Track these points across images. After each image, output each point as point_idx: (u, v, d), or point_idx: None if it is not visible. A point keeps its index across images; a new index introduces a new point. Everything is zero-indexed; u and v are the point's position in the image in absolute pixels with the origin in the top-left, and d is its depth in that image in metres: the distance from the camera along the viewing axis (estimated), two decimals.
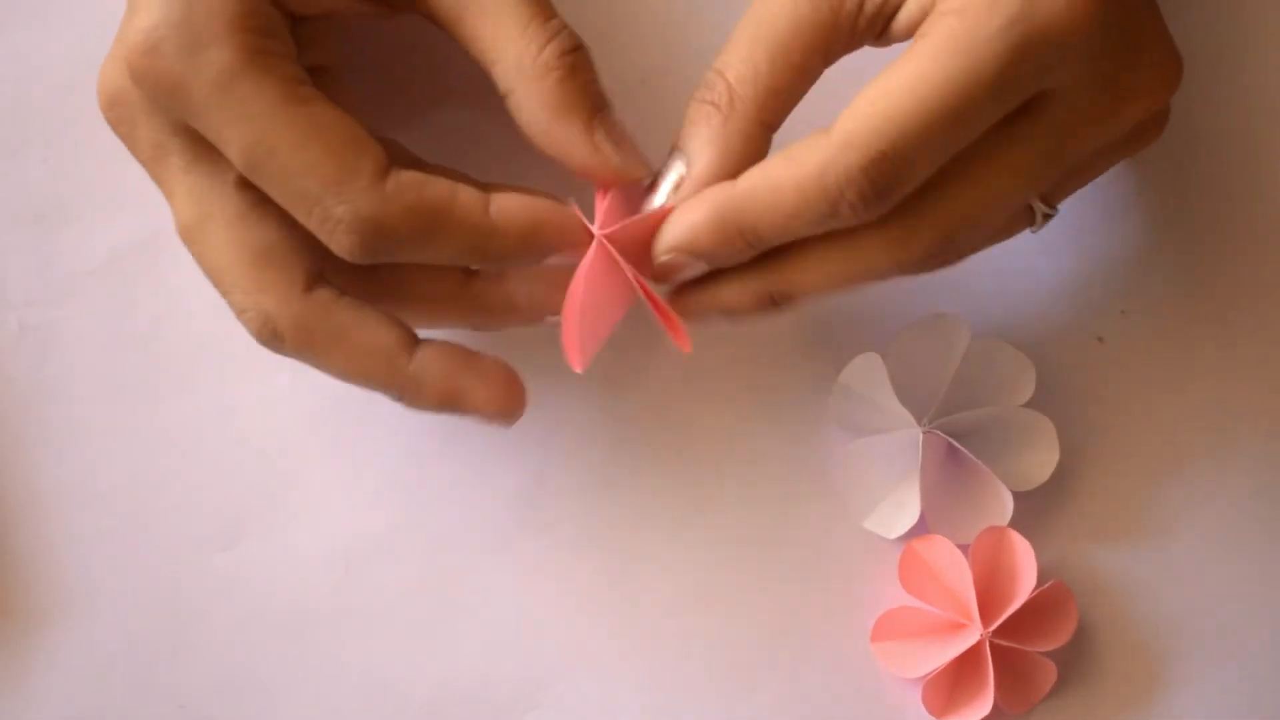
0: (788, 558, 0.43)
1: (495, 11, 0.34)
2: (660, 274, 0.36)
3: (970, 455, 0.41)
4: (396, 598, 0.42)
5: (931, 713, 0.42)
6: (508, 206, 0.34)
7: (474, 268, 0.37)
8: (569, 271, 0.35)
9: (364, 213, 0.33)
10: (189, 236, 0.35)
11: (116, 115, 0.35)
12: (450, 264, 0.36)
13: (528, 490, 0.43)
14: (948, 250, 0.34)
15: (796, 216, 0.33)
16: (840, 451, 0.42)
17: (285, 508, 0.42)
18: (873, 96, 0.32)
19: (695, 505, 0.43)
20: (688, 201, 0.34)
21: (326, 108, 0.33)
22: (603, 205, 0.35)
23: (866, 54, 0.36)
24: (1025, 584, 0.41)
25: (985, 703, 0.41)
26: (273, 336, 0.35)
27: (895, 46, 0.35)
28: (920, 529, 0.42)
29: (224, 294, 0.35)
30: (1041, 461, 0.42)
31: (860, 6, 0.34)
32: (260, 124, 0.33)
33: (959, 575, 0.41)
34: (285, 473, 0.42)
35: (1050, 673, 0.42)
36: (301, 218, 0.33)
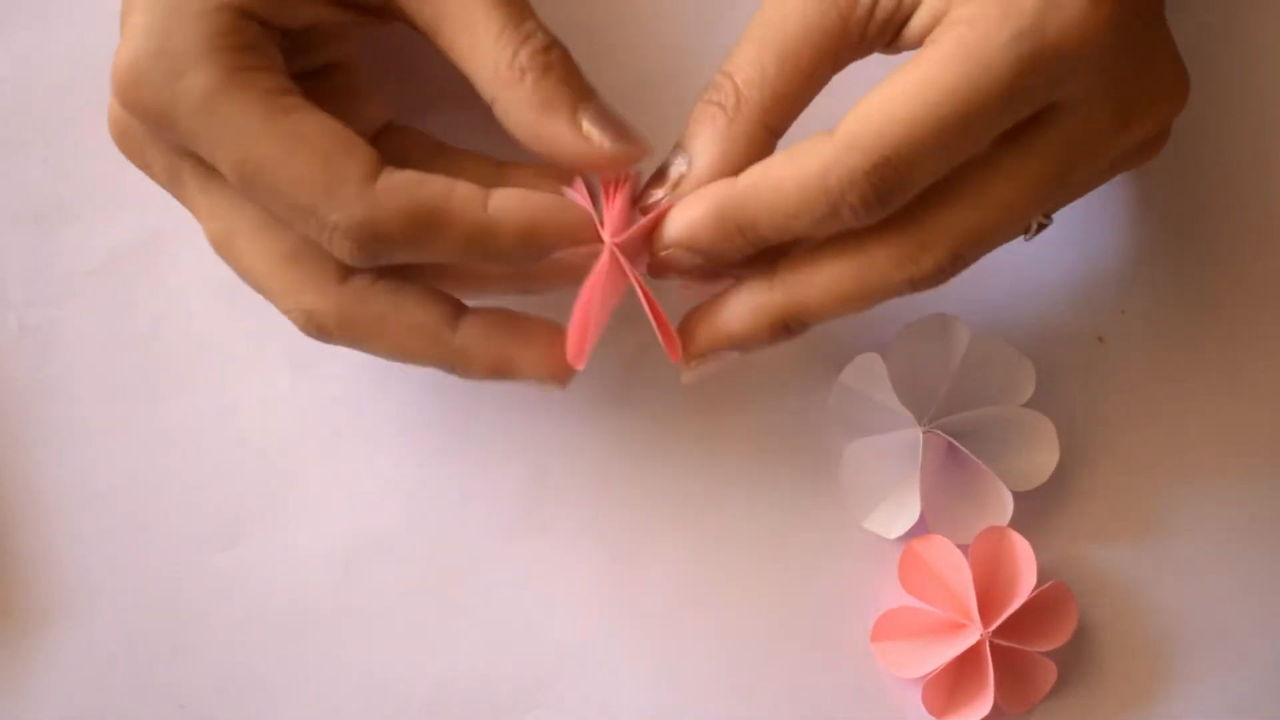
0: (788, 558, 0.43)
1: (469, 22, 0.34)
2: (658, 268, 0.36)
3: (970, 455, 0.41)
4: (396, 598, 0.42)
5: (931, 713, 0.42)
6: (506, 204, 0.34)
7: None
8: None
9: (357, 218, 0.33)
10: (220, 251, 0.36)
11: (128, 147, 0.36)
12: (453, 262, 0.36)
13: (528, 490, 0.43)
14: (958, 265, 0.34)
15: (797, 216, 0.33)
16: (840, 451, 0.42)
17: (285, 508, 0.42)
18: (878, 100, 0.32)
19: (695, 505, 0.43)
20: (688, 197, 0.34)
21: (310, 116, 0.33)
22: (611, 210, 0.35)
23: (873, 60, 0.36)
24: (1025, 584, 0.41)
25: (985, 703, 0.41)
26: (319, 330, 0.35)
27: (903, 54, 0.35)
28: (920, 529, 0.42)
29: (266, 298, 0.35)
30: (1041, 461, 0.42)
31: (871, 13, 0.34)
32: (245, 141, 0.33)
33: (959, 575, 0.41)
34: (285, 473, 0.42)
35: (1050, 673, 0.42)
36: (300, 229, 0.34)
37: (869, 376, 0.41)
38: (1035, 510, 0.43)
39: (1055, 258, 0.43)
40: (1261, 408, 0.44)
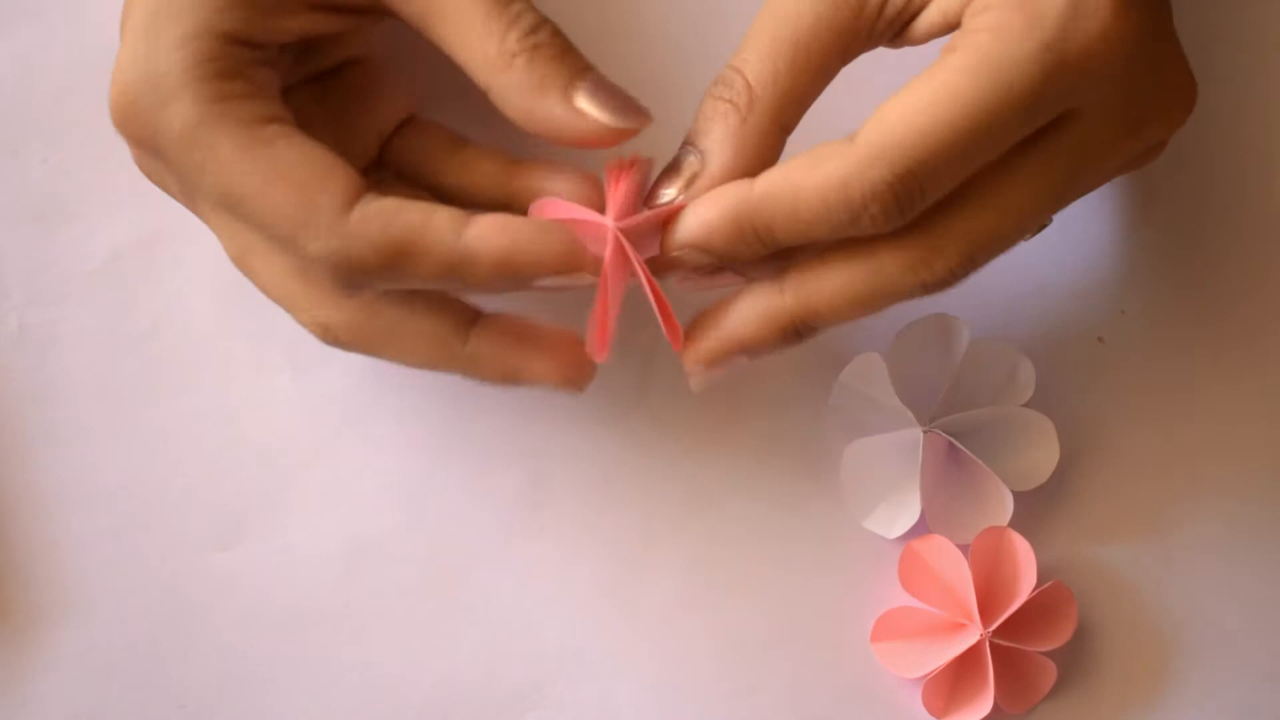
0: (788, 557, 0.43)
1: (455, 10, 0.34)
2: (667, 267, 0.35)
3: (970, 455, 0.41)
4: (396, 598, 0.42)
5: (931, 713, 0.42)
6: (483, 233, 0.33)
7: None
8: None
9: (332, 248, 0.32)
10: (239, 267, 0.36)
11: (146, 168, 0.36)
12: (434, 290, 0.35)
13: (528, 490, 0.43)
14: (969, 269, 0.34)
15: (816, 223, 0.33)
16: (840, 451, 0.42)
17: (285, 507, 0.42)
18: (901, 110, 0.32)
19: (695, 505, 0.43)
20: (703, 198, 0.34)
21: (289, 145, 0.33)
22: (615, 195, 0.34)
23: (872, 58, 0.36)
24: (1025, 584, 0.41)
25: (985, 703, 0.41)
26: (335, 341, 0.35)
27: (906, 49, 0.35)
28: (920, 529, 0.42)
29: (287, 312, 0.35)
30: (1041, 461, 0.42)
31: (881, 9, 0.34)
32: (223, 174, 0.33)
33: (959, 575, 0.41)
34: (285, 473, 0.42)
35: (1050, 673, 0.42)
36: (285, 258, 0.34)
37: (869, 376, 0.41)
38: (1035, 510, 0.43)
39: (1055, 258, 0.43)
40: (1262, 408, 0.44)
